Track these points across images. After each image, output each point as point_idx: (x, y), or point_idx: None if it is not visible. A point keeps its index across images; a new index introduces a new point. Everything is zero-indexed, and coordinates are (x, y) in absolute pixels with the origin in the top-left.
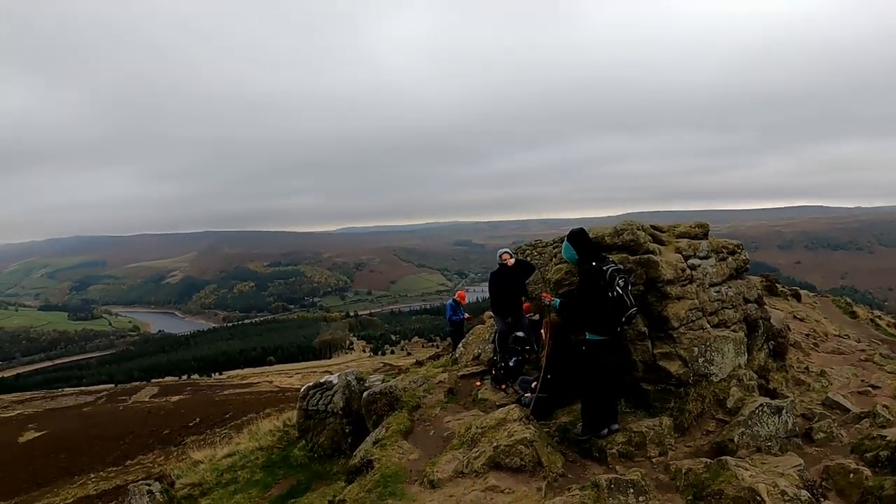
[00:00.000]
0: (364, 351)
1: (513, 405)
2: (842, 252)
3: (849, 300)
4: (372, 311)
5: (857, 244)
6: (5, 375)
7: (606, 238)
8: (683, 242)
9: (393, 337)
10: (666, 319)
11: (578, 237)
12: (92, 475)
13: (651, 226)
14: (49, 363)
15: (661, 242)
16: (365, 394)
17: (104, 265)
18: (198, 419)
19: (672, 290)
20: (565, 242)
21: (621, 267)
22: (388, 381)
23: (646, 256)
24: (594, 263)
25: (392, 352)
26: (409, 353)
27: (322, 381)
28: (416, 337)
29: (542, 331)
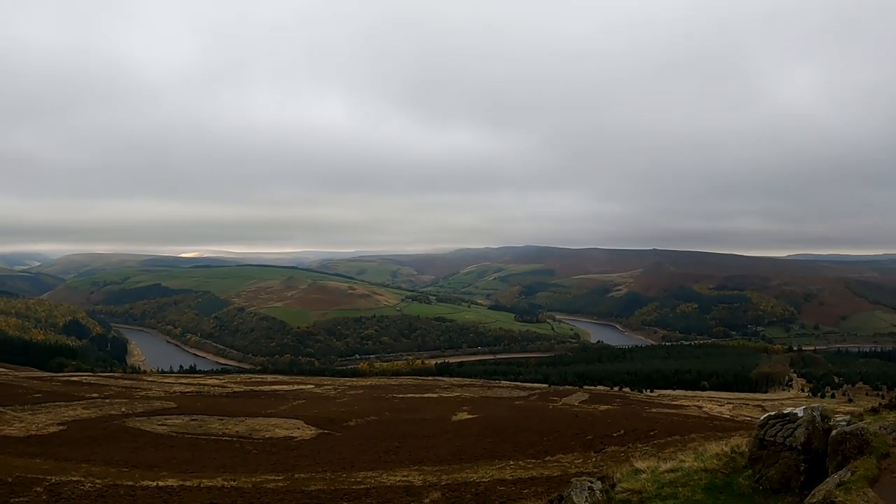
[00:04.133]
0: (802, 390)
1: None
2: None
3: None
4: (816, 347)
5: None
6: (451, 361)
7: None
8: None
9: (836, 379)
10: None
11: None
12: (511, 462)
13: None
14: (491, 356)
15: None
16: (833, 432)
17: (553, 274)
18: (622, 431)
19: None
20: None
21: None
22: (856, 422)
23: None
24: None
25: (832, 395)
26: (850, 399)
27: (785, 412)
28: (861, 382)
29: None
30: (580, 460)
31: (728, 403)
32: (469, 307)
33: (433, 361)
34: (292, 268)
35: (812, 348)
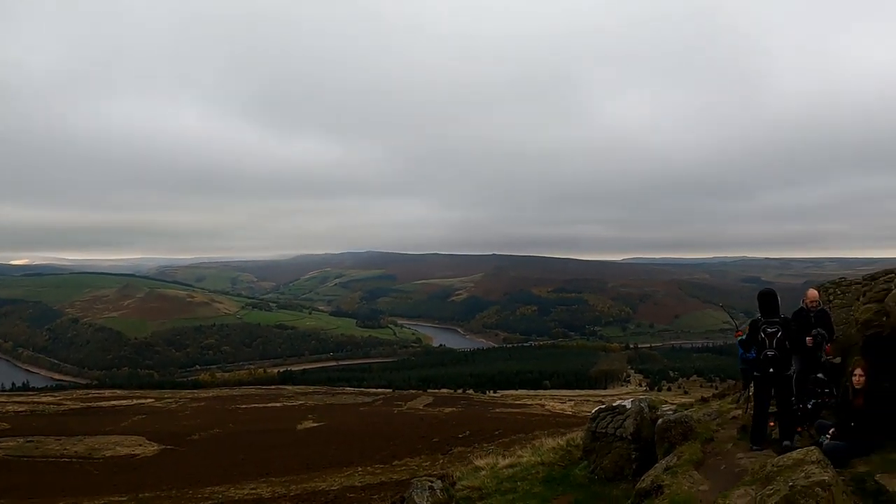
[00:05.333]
0: (640, 385)
1: (812, 447)
2: None
3: None
4: (652, 344)
5: None
6: (293, 369)
7: None
8: None
9: (671, 373)
10: None
11: (759, 296)
12: (359, 468)
13: None
14: (334, 363)
15: None
16: (659, 421)
17: (394, 279)
18: (468, 432)
19: None
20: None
21: (778, 321)
22: (682, 411)
23: None
24: (759, 318)
25: (669, 389)
26: (685, 392)
27: (615, 404)
28: (695, 375)
29: (861, 377)
30: (428, 463)
31: (570, 401)
32: (310, 314)
33: (276, 370)
34: (129, 275)
35: (648, 346)
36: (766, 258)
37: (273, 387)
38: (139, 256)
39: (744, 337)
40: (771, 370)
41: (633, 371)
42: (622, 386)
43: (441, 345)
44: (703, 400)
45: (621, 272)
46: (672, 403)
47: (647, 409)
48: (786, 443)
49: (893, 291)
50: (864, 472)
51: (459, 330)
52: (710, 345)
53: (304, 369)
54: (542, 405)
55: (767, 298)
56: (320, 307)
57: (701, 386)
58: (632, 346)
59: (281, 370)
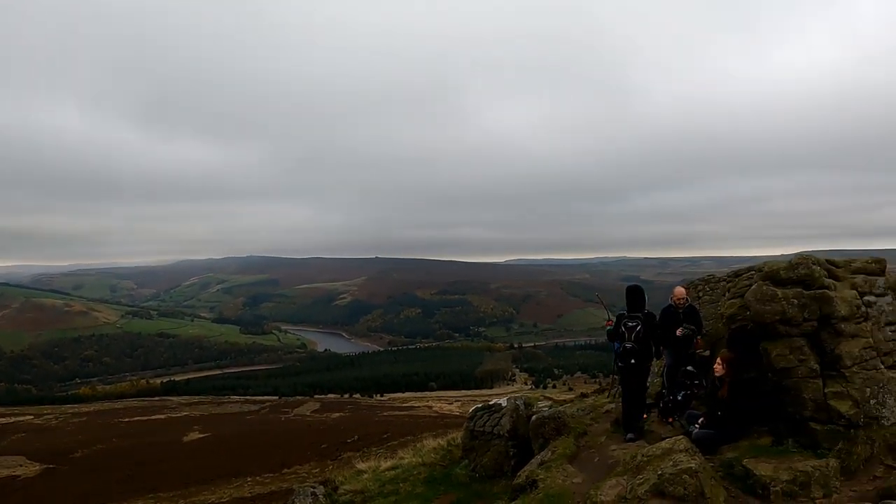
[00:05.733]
0: (526, 383)
1: (680, 436)
2: None
3: None
4: (536, 343)
5: None
6: (177, 379)
7: (781, 272)
8: (859, 279)
9: (556, 371)
10: (839, 358)
11: (626, 292)
12: (248, 479)
13: (826, 260)
14: (218, 371)
15: (836, 278)
16: (533, 417)
17: (277, 284)
18: (356, 437)
19: (846, 327)
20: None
21: (640, 316)
22: (556, 407)
23: (820, 292)
24: (625, 312)
25: (554, 386)
26: (570, 389)
27: (491, 403)
28: (579, 372)
29: (719, 366)
30: (317, 469)
31: (457, 401)
32: (193, 321)
33: (159, 380)
34: (3, 284)
35: (532, 345)
36: (646, 258)
37: (157, 398)
38: (13, 264)
39: (611, 328)
40: (632, 361)
41: (518, 370)
42: (508, 385)
43: (326, 349)
44: (583, 395)
45: (504, 273)
46: (551, 400)
47: (522, 407)
48: (629, 435)
49: (753, 287)
50: (732, 458)
51: (344, 334)
52: (594, 342)
53: (188, 379)
54: (430, 407)
55: (632, 294)
56: (203, 314)
57: (585, 382)
58: (516, 345)
59: (164, 380)
